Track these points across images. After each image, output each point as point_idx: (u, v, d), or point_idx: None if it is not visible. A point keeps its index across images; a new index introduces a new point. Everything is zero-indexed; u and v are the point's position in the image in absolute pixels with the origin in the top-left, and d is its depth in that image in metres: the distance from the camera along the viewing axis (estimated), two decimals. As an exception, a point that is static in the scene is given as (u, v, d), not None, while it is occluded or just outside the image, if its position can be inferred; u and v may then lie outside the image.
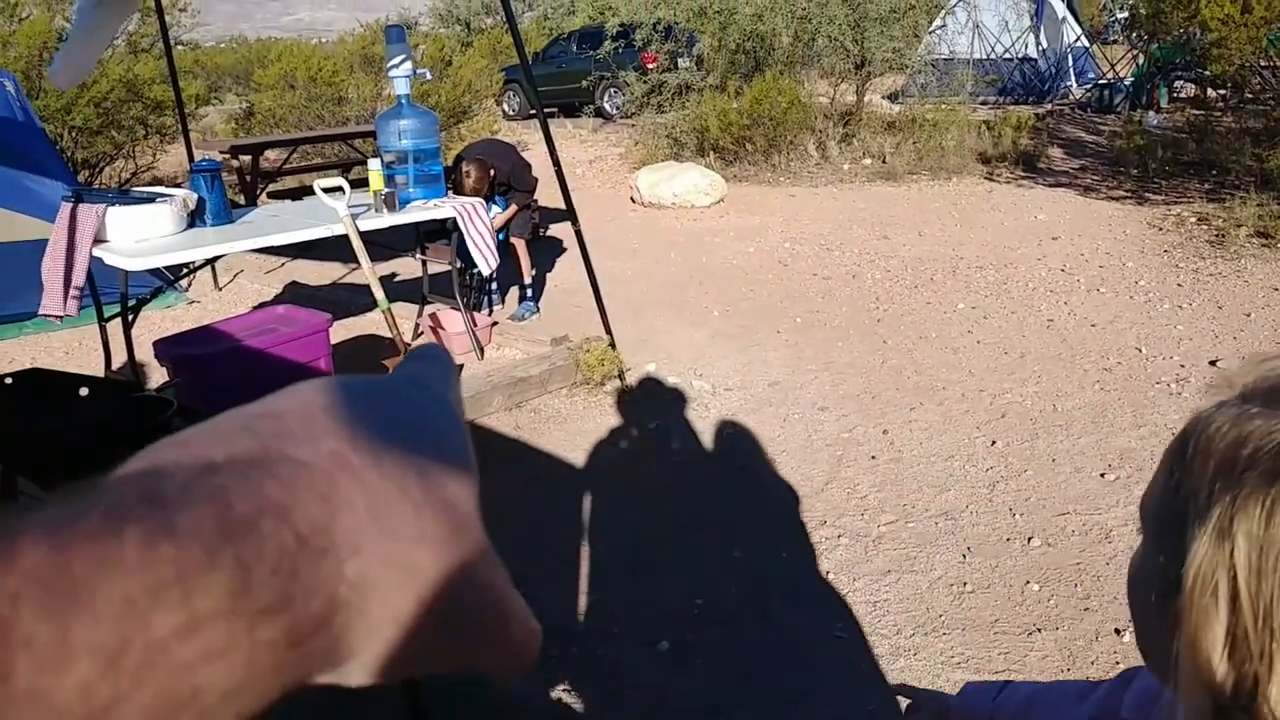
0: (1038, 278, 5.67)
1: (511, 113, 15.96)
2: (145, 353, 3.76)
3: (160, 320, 5.13)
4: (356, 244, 3.52)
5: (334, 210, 3.50)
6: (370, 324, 4.98)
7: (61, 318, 3.40)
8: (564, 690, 2.29)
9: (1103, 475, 3.24)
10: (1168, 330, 4.64)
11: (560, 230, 6.51)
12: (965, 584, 2.68)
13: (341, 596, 0.20)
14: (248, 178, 7.03)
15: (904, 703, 0.99)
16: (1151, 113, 10.69)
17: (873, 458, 3.48)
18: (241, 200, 6.92)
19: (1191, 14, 7.38)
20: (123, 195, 3.47)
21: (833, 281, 5.84)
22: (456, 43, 16.71)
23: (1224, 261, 5.71)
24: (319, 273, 6.20)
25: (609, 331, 4.29)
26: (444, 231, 4.43)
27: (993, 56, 13.42)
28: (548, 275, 6.05)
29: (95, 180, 9.20)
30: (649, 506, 3.17)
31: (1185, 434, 0.46)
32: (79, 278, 3.30)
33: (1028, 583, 2.66)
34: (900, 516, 3.06)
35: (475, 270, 4.45)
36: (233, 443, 0.21)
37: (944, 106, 10.39)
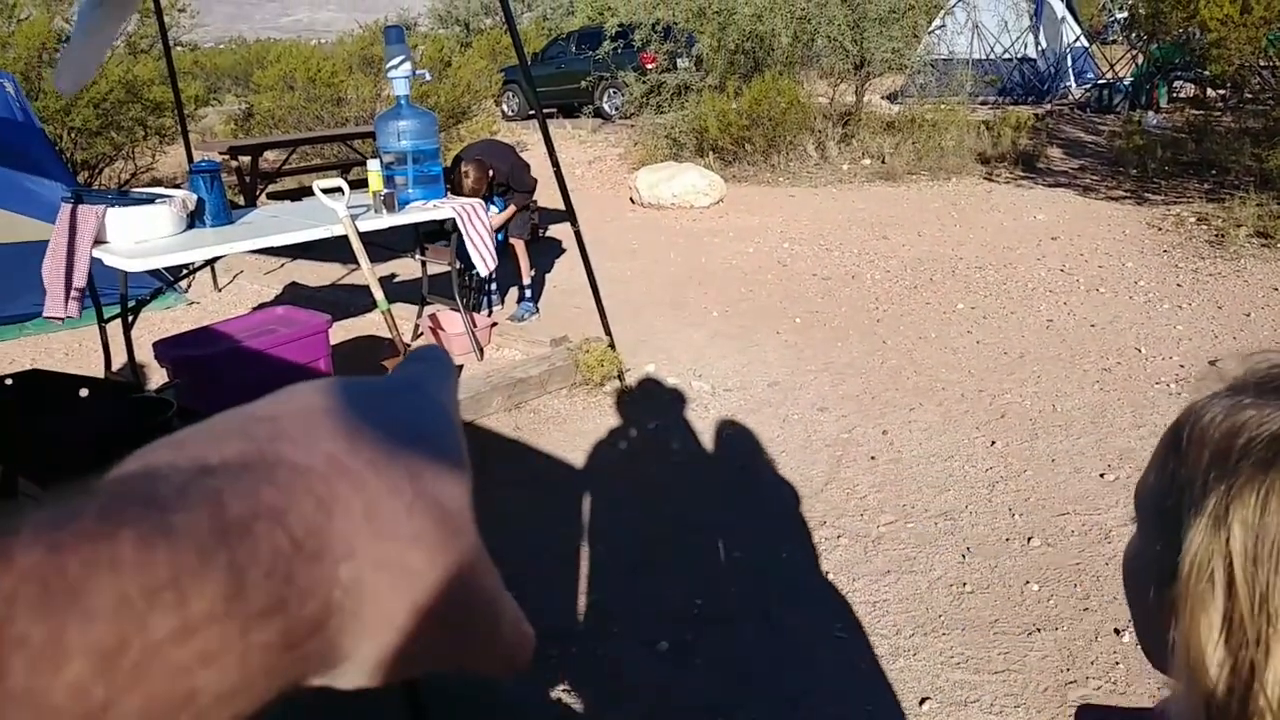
0: (1037, 278, 5.67)
1: (511, 113, 15.97)
2: (145, 354, 3.77)
3: (160, 321, 5.13)
4: (356, 245, 3.52)
5: (333, 211, 3.50)
6: (370, 325, 4.98)
7: (64, 319, 3.40)
8: (563, 690, 2.29)
9: (1102, 475, 3.24)
10: (1167, 330, 4.65)
11: (559, 231, 6.51)
12: (965, 584, 2.68)
13: (336, 600, 0.20)
14: (247, 179, 7.03)
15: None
16: (1151, 113, 10.69)
17: (872, 458, 3.48)
18: (241, 201, 6.92)
19: (1191, 14, 7.38)
20: (122, 196, 3.47)
21: (832, 282, 5.84)
22: (455, 43, 16.71)
23: (1223, 261, 5.72)
24: (318, 273, 6.20)
25: (608, 332, 4.30)
26: (443, 232, 4.43)
27: (992, 57, 13.43)
28: (547, 276, 6.05)
29: (95, 181, 9.20)
30: (649, 506, 3.17)
31: (1179, 425, 0.47)
32: (80, 279, 3.30)
33: (1027, 583, 2.66)
34: (900, 517, 3.06)
35: (474, 271, 4.45)
36: (228, 445, 0.21)
37: (943, 107, 10.40)
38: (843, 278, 5.92)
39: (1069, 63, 13.54)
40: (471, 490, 0.25)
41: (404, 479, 0.22)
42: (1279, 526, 0.39)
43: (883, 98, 12.73)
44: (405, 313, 4.87)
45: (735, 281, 5.93)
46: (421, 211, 3.99)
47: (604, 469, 3.51)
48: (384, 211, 3.81)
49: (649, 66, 12.01)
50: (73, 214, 3.27)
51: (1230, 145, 7.80)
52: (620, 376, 4.21)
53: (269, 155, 8.24)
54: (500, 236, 5.05)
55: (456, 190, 4.52)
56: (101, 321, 3.86)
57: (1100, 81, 12.91)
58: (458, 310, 4.48)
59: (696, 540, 2.96)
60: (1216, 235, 6.24)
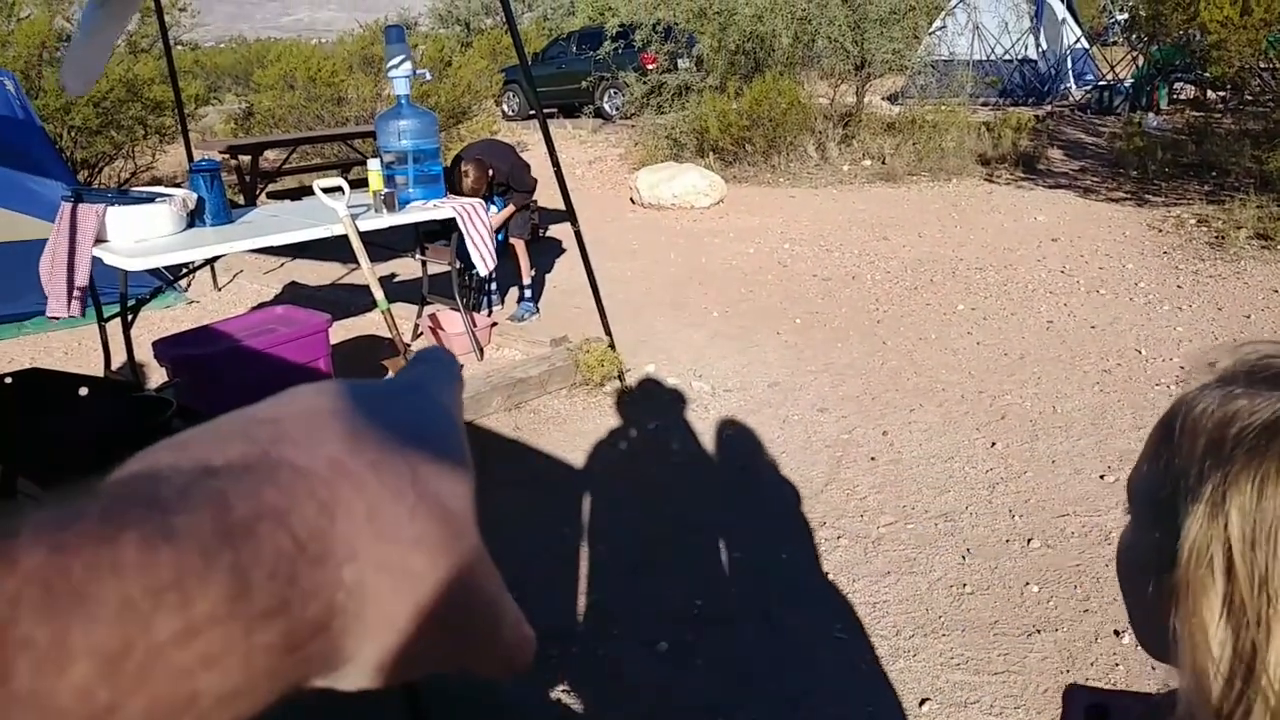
0: (1037, 279, 5.67)
1: (511, 113, 15.97)
2: (145, 353, 3.77)
3: (160, 320, 5.13)
4: (356, 244, 3.52)
5: (333, 210, 3.50)
6: (370, 324, 4.98)
7: (68, 317, 3.41)
8: (564, 691, 2.29)
9: (1102, 477, 3.24)
10: (1167, 332, 4.65)
11: (560, 231, 6.51)
12: (965, 585, 2.68)
13: (338, 601, 0.20)
14: (247, 178, 7.03)
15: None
16: (1151, 114, 10.70)
17: (872, 459, 3.48)
18: (241, 200, 6.92)
19: (1191, 16, 7.39)
20: (122, 195, 3.47)
21: (832, 283, 5.85)
22: (456, 43, 16.73)
23: (1224, 263, 5.72)
24: (318, 273, 6.20)
25: (608, 332, 4.30)
26: (443, 232, 4.43)
27: (992, 58, 13.44)
28: (547, 276, 6.05)
29: (94, 180, 9.20)
30: (649, 507, 3.17)
31: (1171, 416, 0.48)
32: (81, 278, 3.30)
33: (1027, 584, 2.66)
34: (900, 518, 3.06)
35: (475, 271, 4.46)
36: (231, 447, 0.21)
37: (944, 108, 10.40)
38: (843, 278, 5.92)
39: (1069, 64, 13.56)
40: (473, 492, 0.25)
41: (406, 481, 0.22)
42: (1275, 511, 0.40)
43: (883, 99, 12.74)
44: (405, 312, 4.87)
45: (735, 282, 5.93)
46: (422, 211, 3.99)
47: (604, 469, 3.51)
48: (384, 211, 3.81)
49: (649, 67, 12.02)
50: (73, 213, 3.27)
51: (1230, 147, 7.80)
52: (620, 377, 4.21)
53: (269, 154, 8.24)
54: (500, 236, 5.05)
55: (456, 190, 4.53)
56: (101, 320, 3.86)
57: (1101, 83, 12.92)
58: (458, 310, 4.48)
59: (697, 540, 2.96)
60: (1217, 237, 6.24)
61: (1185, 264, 5.79)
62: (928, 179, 9.10)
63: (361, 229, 3.59)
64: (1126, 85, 12.13)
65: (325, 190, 3.52)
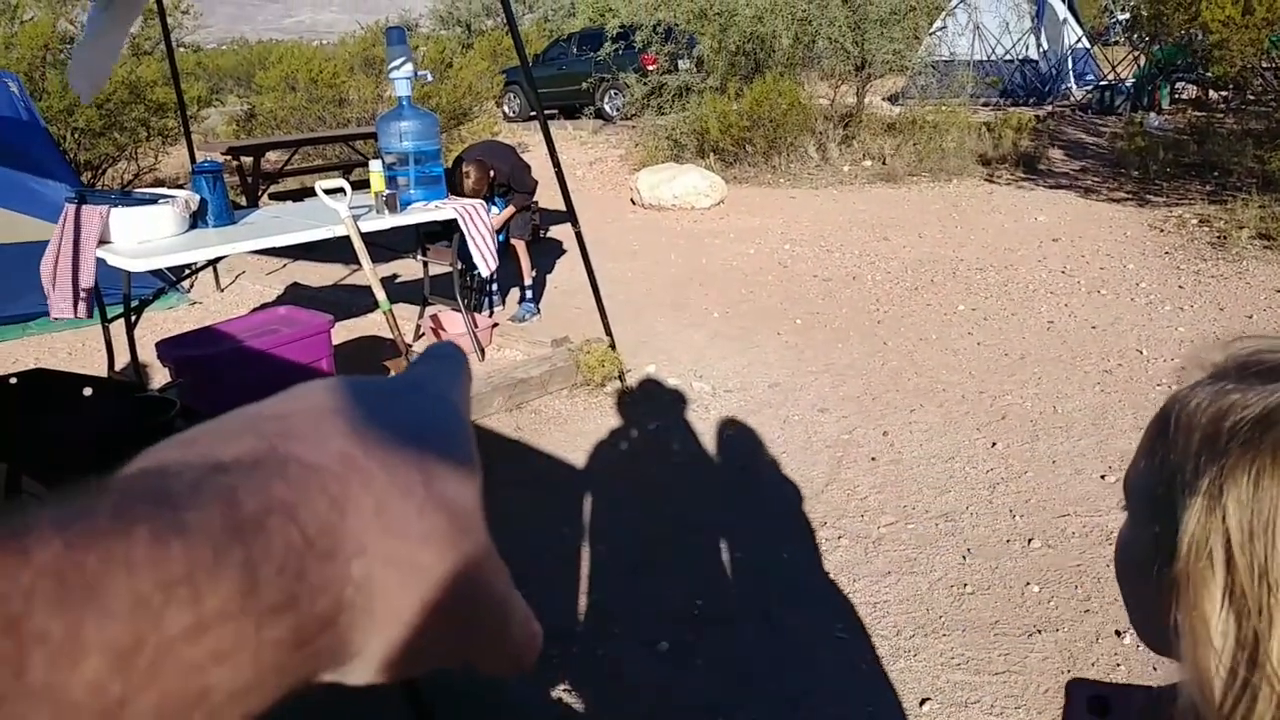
0: (1038, 279, 5.67)
1: (512, 114, 15.97)
2: (148, 353, 3.77)
3: (163, 321, 5.14)
4: (358, 245, 3.52)
5: (335, 211, 3.51)
6: (371, 325, 4.98)
7: (75, 318, 3.41)
8: (564, 690, 2.29)
9: (1103, 477, 3.24)
10: (1169, 332, 4.64)
11: (560, 232, 6.51)
12: (965, 585, 2.68)
13: (347, 596, 0.20)
14: (249, 179, 7.04)
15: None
16: (1153, 114, 10.69)
17: (873, 459, 3.48)
18: (243, 201, 6.92)
19: (1192, 16, 7.38)
20: (125, 196, 3.48)
21: (833, 283, 5.84)
22: (457, 44, 16.75)
23: (1225, 263, 5.71)
24: (320, 274, 6.20)
25: (609, 333, 4.30)
26: (445, 233, 4.43)
27: (993, 58, 13.43)
28: (548, 277, 6.06)
29: (98, 181, 9.21)
30: (649, 507, 3.18)
31: (1165, 412, 0.49)
32: (87, 279, 3.31)
33: (1028, 584, 2.66)
34: (900, 518, 3.06)
35: (476, 271, 4.46)
36: (239, 443, 0.21)
37: (944, 108, 10.39)
38: (843, 279, 5.92)
39: (1070, 64, 13.54)
40: (481, 489, 0.25)
41: (415, 478, 0.23)
42: (1271, 502, 0.41)
43: (884, 99, 12.74)
44: (407, 313, 4.87)
45: (736, 282, 5.93)
46: (423, 212, 3.99)
47: (605, 469, 3.51)
48: (386, 212, 3.82)
49: (650, 68, 12.02)
50: (77, 214, 3.28)
51: (1232, 147, 7.80)
52: (621, 377, 4.21)
53: (271, 156, 8.25)
54: (501, 237, 5.05)
55: (458, 191, 4.53)
56: (105, 321, 3.87)
57: (1102, 83, 12.91)
58: (459, 311, 4.48)
59: (697, 540, 2.96)
60: (1218, 237, 6.24)
61: (1187, 264, 5.78)
62: (928, 179, 9.10)
63: (363, 230, 3.59)
64: (1128, 85, 12.13)
65: (327, 191, 3.52)
